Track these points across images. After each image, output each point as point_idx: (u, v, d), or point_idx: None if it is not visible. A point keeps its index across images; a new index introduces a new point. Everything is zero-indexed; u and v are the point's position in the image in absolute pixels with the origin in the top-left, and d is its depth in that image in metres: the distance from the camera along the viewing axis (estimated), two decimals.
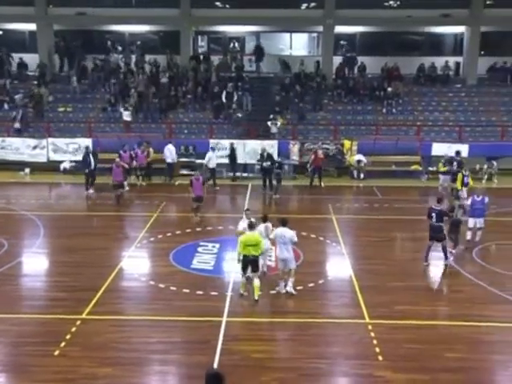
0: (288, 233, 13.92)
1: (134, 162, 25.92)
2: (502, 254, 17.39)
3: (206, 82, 32.56)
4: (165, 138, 28.92)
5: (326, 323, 12.56)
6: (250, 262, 13.60)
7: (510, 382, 10.60)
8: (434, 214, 16.04)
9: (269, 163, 24.91)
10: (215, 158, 26.48)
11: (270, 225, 14.88)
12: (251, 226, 13.92)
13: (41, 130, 30.24)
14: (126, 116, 30.11)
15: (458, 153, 25.39)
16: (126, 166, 24.00)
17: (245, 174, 27.64)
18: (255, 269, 13.66)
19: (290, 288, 14.05)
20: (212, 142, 28.38)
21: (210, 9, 34.70)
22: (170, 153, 26.99)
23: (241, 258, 13.66)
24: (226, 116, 30.65)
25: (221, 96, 30.98)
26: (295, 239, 14.00)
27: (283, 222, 14.16)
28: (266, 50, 35.03)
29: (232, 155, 27.54)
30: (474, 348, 11.53)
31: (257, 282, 13.58)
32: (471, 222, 17.68)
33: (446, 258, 16.03)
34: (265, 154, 25.36)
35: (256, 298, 13.57)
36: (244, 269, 13.70)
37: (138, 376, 10.56)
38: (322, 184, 26.04)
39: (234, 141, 28.16)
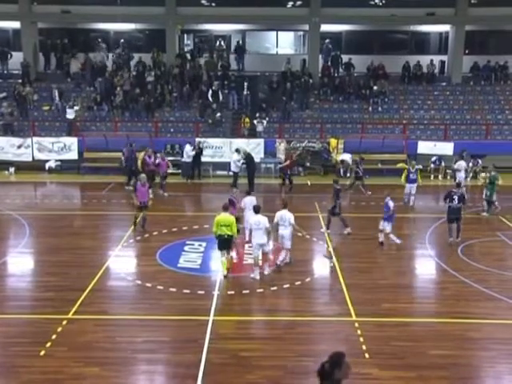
0: (288, 214, 15.33)
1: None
2: (487, 251, 17.50)
3: (193, 80, 32.50)
4: (151, 137, 28.85)
5: (313, 321, 12.59)
6: (224, 241, 14.77)
7: (495, 379, 10.68)
8: (455, 197, 17.69)
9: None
10: (238, 160, 25.10)
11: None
12: (225, 208, 15.09)
13: (25, 129, 30.03)
14: (70, 114, 29.69)
15: (463, 151, 26.01)
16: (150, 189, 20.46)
17: (231, 173, 27.61)
18: (230, 247, 14.97)
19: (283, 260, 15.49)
20: (238, 141, 28.21)
21: (195, 7, 34.67)
22: (185, 152, 26.85)
23: (216, 237, 14.87)
24: (208, 115, 30.57)
25: (207, 95, 30.96)
26: (292, 221, 15.38)
27: (284, 205, 15.71)
28: (252, 48, 35.11)
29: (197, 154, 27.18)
30: (459, 345, 11.60)
31: (224, 258, 14.86)
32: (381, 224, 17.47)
33: (458, 236, 17.81)
34: (246, 153, 25.29)
35: (224, 274, 14.77)
36: (220, 248, 14.91)
37: (125, 376, 10.50)
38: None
39: (219, 139, 28.16)
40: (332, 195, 18.86)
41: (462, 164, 24.73)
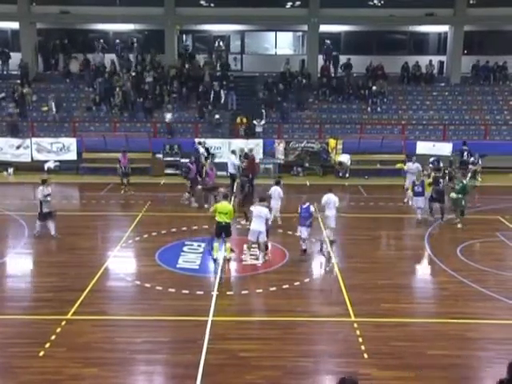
0: (333, 198, 17.24)
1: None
2: (486, 252, 17.54)
3: (193, 80, 32.51)
4: (150, 138, 28.90)
5: (312, 322, 12.58)
6: (222, 228, 15.79)
7: (493, 379, 10.58)
8: (441, 180, 19.93)
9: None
10: (235, 162, 24.31)
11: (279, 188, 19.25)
12: (225, 197, 16.46)
13: (24, 130, 30.04)
14: (168, 118, 29.91)
15: (464, 143, 26.67)
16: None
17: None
18: (227, 233, 15.90)
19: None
20: (237, 142, 28.22)
21: (194, 7, 34.71)
22: (203, 154, 26.40)
23: (215, 224, 15.93)
24: (208, 116, 30.62)
25: (207, 95, 30.99)
26: (337, 204, 17.27)
27: (330, 189, 17.76)
28: (251, 49, 35.10)
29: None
30: (458, 345, 11.61)
31: (228, 244, 15.97)
32: (299, 230, 16.76)
33: (443, 218, 19.81)
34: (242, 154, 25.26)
35: (228, 257, 15.90)
36: (218, 234, 15.94)
37: (124, 376, 10.50)
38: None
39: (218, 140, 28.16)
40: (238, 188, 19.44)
41: (410, 166, 22.90)
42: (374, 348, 11.33)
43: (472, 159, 26.70)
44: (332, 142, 28.85)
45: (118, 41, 34.97)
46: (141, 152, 27.18)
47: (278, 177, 21.69)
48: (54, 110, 30.64)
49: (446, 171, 22.27)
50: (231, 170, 24.64)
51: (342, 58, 34.22)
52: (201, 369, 10.51)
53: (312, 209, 16.57)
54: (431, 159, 26.45)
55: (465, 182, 20.30)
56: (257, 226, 15.85)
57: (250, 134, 29.63)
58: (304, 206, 16.57)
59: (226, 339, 11.70)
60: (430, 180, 20.50)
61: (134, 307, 13.36)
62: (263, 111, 30.81)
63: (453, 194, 19.88)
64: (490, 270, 15.57)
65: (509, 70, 34.35)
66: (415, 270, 16.38)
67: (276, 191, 19.09)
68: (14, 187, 26.02)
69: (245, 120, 29.75)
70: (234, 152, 25.40)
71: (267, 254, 16.36)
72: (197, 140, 28.10)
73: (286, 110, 31.29)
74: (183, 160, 27.79)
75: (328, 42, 34.77)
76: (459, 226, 19.64)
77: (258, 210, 16.05)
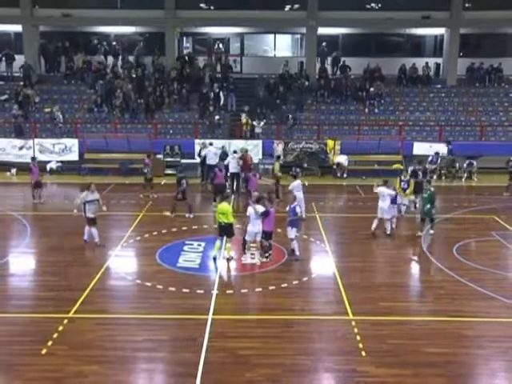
0: (386, 191, 18.34)
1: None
2: (482, 251, 17.70)
3: (193, 82, 32.67)
4: (150, 138, 29.08)
5: (311, 320, 12.74)
6: (222, 228, 16.12)
7: (490, 376, 10.78)
8: (420, 173, 21.25)
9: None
10: (236, 161, 24.18)
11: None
12: (225, 197, 16.78)
13: (27, 131, 30.19)
14: (257, 128, 29.88)
15: (448, 142, 27.35)
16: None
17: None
18: (229, 234, 16.23)
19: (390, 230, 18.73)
20: (236, 142, 28.29)
21: (194, 10, 34.92)
22: (213, 154, 26.13)
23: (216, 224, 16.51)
24: (206, 117, 30.76)
25: (207, 97, 31.16)
26: (393, 193, 18.53)
27: (384, 182, 18.87)
28: (251, 51, 35.28)
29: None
30: (454, 343, 11.76)
31: (229, 244, 16.21)
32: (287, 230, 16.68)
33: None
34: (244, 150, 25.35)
35: (227, 256, 16.04)
36: (220, 234, 16.29)
37: (125, 374, 10.61)
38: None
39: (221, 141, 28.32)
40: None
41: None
42: (372, 346, 11.47)
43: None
44: (330, 142, 29.03)
45: (115, 43, 35.14)
46: (141, 153, 27.30)
47: (294, 172, 21.91)
48: (60, 118, 30.56)
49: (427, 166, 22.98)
50: (232, 169, 24.80)
51: (340, 60, 34.43)
52: (201, 367, 10.64)
53: (298, 209, 16.44)
54: (429, 158, 26.63)
55: (432, 189, 18.79)
56: (254, 227, 15.87)
57: (250, 134, 29.85)
58: (292, 206, 16.66)
59: (225, 337, 11.84)
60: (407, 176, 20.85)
61: (135, 306, 13.49)
62: (263, 112, 31.04)
63: (408, 197, 20.42)
64: (486, 269, 15.74)
65: (504, 71, 34.57)
66: (412, 268, 16.56)
67: (298, 184, 19.72)
68: (17, 187, 26.11)
69: (250, 121, 29.93)
70: (235, 152, 25.50)
71: (270, 254, 16.35)
72: (200, 141, 28.09)
73: (283, 113, 31.38)
74: (183, 160, 28.14)
75: (323, 44, 35.01)
76: (420, 233, 18.79)
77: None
